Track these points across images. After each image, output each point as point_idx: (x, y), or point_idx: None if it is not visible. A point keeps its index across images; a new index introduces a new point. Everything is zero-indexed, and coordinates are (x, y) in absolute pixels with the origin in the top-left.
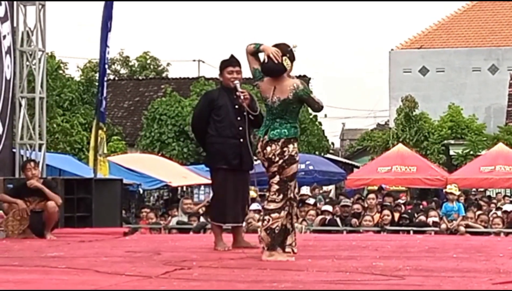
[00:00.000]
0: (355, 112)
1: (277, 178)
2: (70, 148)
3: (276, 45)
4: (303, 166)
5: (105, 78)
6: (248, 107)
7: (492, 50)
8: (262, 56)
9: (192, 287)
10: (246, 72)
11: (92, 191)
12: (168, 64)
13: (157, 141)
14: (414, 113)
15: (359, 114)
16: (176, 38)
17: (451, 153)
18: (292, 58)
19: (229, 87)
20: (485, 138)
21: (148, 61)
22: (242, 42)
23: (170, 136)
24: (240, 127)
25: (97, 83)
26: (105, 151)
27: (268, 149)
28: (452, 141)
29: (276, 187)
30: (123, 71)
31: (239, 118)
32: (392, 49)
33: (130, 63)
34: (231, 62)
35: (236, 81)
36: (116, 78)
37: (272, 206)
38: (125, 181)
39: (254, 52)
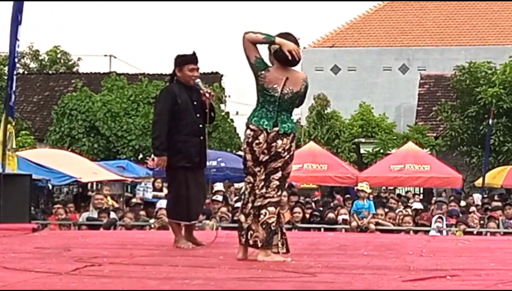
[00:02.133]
0: None
1: (279, 174)
2: None
3: (288, 33)
4: (214, 163)
5: (15, 72)
6: (209, 105)
7: (403, 50)
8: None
9: (102, 284)
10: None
11: (0, 186)
12: (79, 59)
13: (67, 137)
14: (326, 111)
15: None
16: (87, 32)
17: (362, 151)
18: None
19: (188, 84)
20: (395, 137)
21: (59, 56)
22: (155, 37)
23: (80, 131)
24: (200, 125)
25: (6, 77)
26: (14, 146)
27: (280, 142)
28: (362, 140)
29: (277, 183)
30: (32, 65)
31: (198, 115)
32: (304, 48)
33: (40, 57)
34: (192, 59)
35: (198, 80)
36: (26, 72)
37: (268, 200)
38: (34, 176)
39: (261, 43)
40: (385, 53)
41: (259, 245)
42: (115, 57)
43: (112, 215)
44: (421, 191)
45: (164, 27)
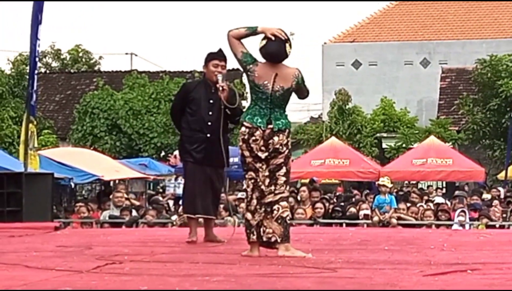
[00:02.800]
0: (289, 105)
1: (283, 170)
2: (1, 142)
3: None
4: (237, 159)
5: (36, 72)
6: (227, 101)
7: (424, 44)
8: (249, 40)
9: (123, 282)
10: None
11: (23, 185)
12: (100, 58)
13: (89, 135)
14: (347, 106)
15: (293, 108)
16: (108, 31)
17: (384, 145)
18: (290, 46)
19: (211, 80)
20: (417, 132)
21: (80, 54)
22: (176, 35)
23: (102, 130)
24: (209, 122)
25: (27, 77)
26: (36, 145)
27: (276, 138)
28: (384, 135)
29: (284, 179)
30: (54, 64)
31: (210, 113)
32: (325, 43)
33: (61, 56)
34: (218, 56)
35: (219, 75)
36: (48, 71)
37: (279, 196)
38: (56, 175)
39: (245, 36)
40: (406, 47)
41: (278, 240)
42: (136, 55)
43: (134, 212)
44: (444, 185)
45: (185, 24)
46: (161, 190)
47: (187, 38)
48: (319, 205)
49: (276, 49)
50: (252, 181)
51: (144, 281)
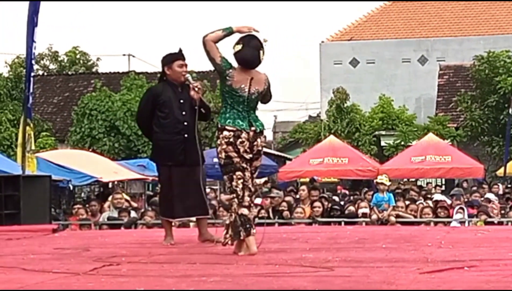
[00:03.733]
0: (287, 104)
1: (256, 173)
2: None
3: (252, 36)
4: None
5: (32, 74)
6: (200, 100)
7: (421, 41)
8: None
9: (120, 283)
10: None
11: (20, 188)
12: (98, 59)
13: (88, 137)
14: (345, 105)
15: (291, 107)
16: (105, 32)
17: (382, 143)
18: (263, 52)
19: (176, 81)
20: (415, 129)
21: (78, 56)
22: (173, 35)
23: (100, 131)
24: (185, 122)
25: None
26: (33, 148)
27: (259, 140)
28: (383, 132)
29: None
30: (52, 66)
31: (184, 113)
32: (322, 41)
33: (59, 58)
34: (180, 56)
35: (188, 75)
36: (45, 73)
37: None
38: (55, 177)
39: (223, 38)
40: (404, 45)
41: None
42: (133, 56)
43: (133, 214)
44: (443, 182)
45: (182, 25)
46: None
47: (184, 39)
48: (317, 204)
49: (252, 55)
50: (241, 180)
51: (141, 282)
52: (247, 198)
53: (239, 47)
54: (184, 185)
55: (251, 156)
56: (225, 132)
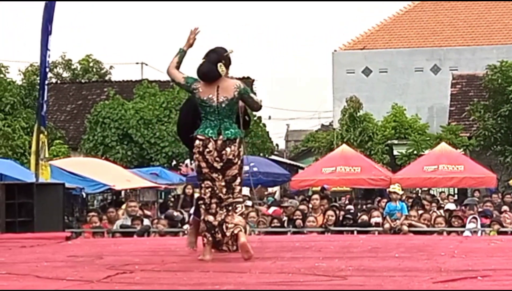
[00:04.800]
0: (300, 113)
1: (238, 180)
2: (12, 152)
3: (213, 50)
4: (247, 168)
5: (46, 82)
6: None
7: (434, 50)
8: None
9: None
10: None
11: (34, 196)
12: (111, 67)
13: (101, 145)
14: (358, 114)
15: (304, 116)
16: (118, 40)
17: (395, 152)
18: (227, 63)
19: None
20: (428, 138)
21: (91, 64)
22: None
23: (113, 139)
24: None
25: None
26: (47, 155)
27: (228, 149)
28: (395, 142)
29: (239, 188)
30: (65, 74)
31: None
32: (335, 50)
33: (72, 67)
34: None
35: None
36: (59, 81)
37: (237, 199)
38: (68, 185)
39: (180, 61)
40: (417, 54)
41: (242, 230)
42: (146, 65)
43: (146, 222)
44: (456, 192)
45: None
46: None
47: (197, 47)
48: (330, 212)
49: (207, 69)
50: (210, 189)
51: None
52: (213, 205)
53: (201, 62)
54: None
55: (221, 164)
56: (196, 142)
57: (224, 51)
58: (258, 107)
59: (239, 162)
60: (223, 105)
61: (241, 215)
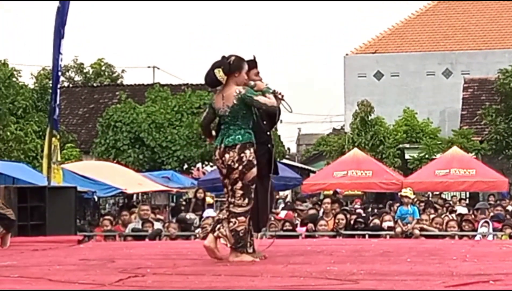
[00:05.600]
0: (311, 117)
1: (239, 184)
2: (24, 156)
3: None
4: None
5: (58, 86)
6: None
7: (446, 54)
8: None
9: None
10: None
11: (46, 199)
12: (123, 71)
13: (112, 149)
14: (369, 117)
15: (315, 119)
16: (130, 44)
17: (407, 156)
18: (229, 68)
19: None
20: (439, 142)
21: (103, 68)
22: (197, 48)
23: (125, 143)
24: (268, 132)
25: (51, 91)
26: (59, 159)
27: (227, 156)
28: (407, 145)
29: (240, 192)
30: (77, 78)
31: (264, 122)
32: (346, 54)
33: (84, 70)
34: (255, 64)
35: (266, 83)
36: (71, 85)
37: (239, 210)
38: (80, 189)
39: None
40: (428, 58)
41: (228, 245)
42: (158, 69)
43: (157, 225)
44: (467, 196)
45: (207, 37)
46: (184, 203)
47: (209, 50)
48: (340, 216)
49: (205, 75)
50: (226, 194)
51: None
52: (224, 208)
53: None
54: (265, 195)
55: (225, 170)
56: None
57: (224, 59)
58: (268, 109)
59: (240, 167)
60: (227, 113)
61: (232, 231)
